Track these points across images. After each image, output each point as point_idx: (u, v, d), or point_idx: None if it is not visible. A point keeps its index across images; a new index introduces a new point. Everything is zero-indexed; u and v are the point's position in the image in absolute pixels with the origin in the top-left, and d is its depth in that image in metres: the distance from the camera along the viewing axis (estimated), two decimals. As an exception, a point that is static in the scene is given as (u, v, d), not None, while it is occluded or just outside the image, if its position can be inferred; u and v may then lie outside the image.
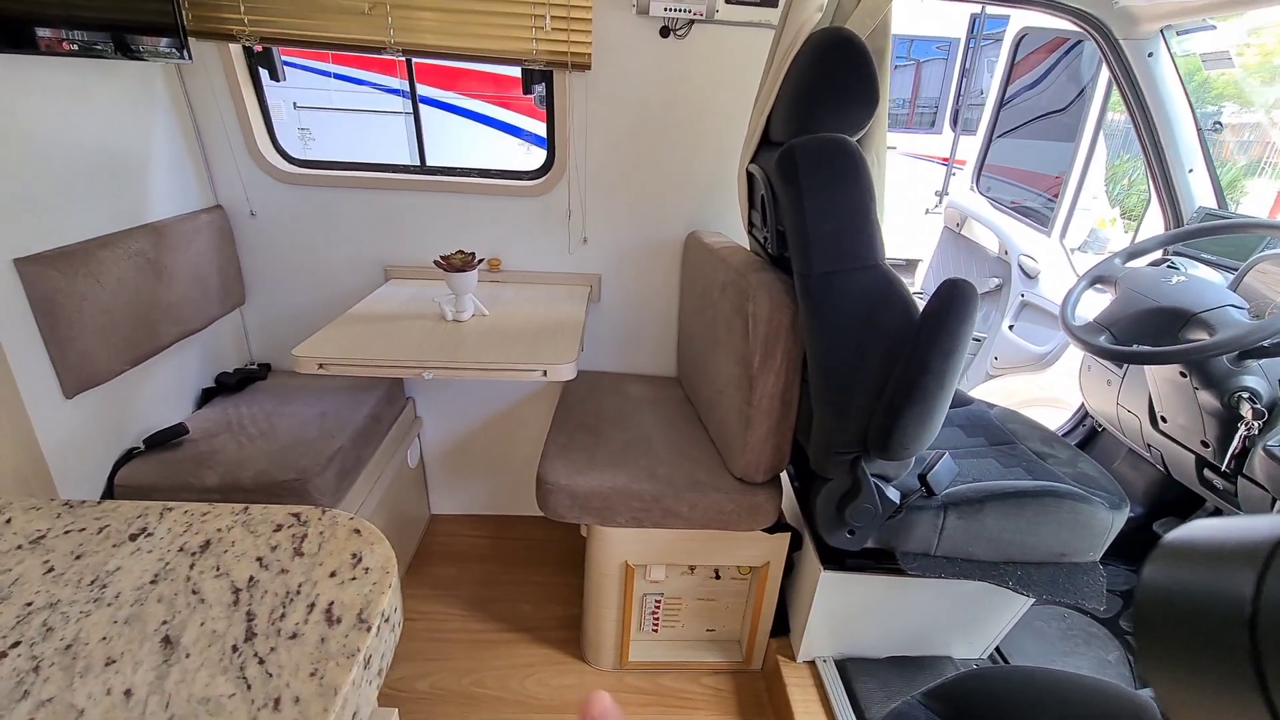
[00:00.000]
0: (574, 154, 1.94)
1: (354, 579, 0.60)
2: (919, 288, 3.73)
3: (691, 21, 1.76)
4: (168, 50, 1.61)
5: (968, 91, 6.08)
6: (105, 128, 1.57)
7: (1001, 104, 3.34)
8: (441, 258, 1.70)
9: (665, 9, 1.70)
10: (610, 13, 1.76)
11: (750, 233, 1.73)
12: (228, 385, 1.99)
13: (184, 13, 1.64)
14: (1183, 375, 1.46)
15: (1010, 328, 2.95)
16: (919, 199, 6.42)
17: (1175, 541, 0.37)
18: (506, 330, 1.69)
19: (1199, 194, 1.96)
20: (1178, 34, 1.79)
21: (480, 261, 1.74)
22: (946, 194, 6.39)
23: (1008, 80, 3.24)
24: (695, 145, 1.94)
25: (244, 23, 1.69)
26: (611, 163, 1.97)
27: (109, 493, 1.56)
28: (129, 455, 1.62)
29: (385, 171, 2.01)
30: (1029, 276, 2.87)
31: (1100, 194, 3.46)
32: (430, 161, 2.15)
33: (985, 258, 3.17)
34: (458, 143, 5.13)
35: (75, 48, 1.37)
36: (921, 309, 1.26)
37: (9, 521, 0.66)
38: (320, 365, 1.45)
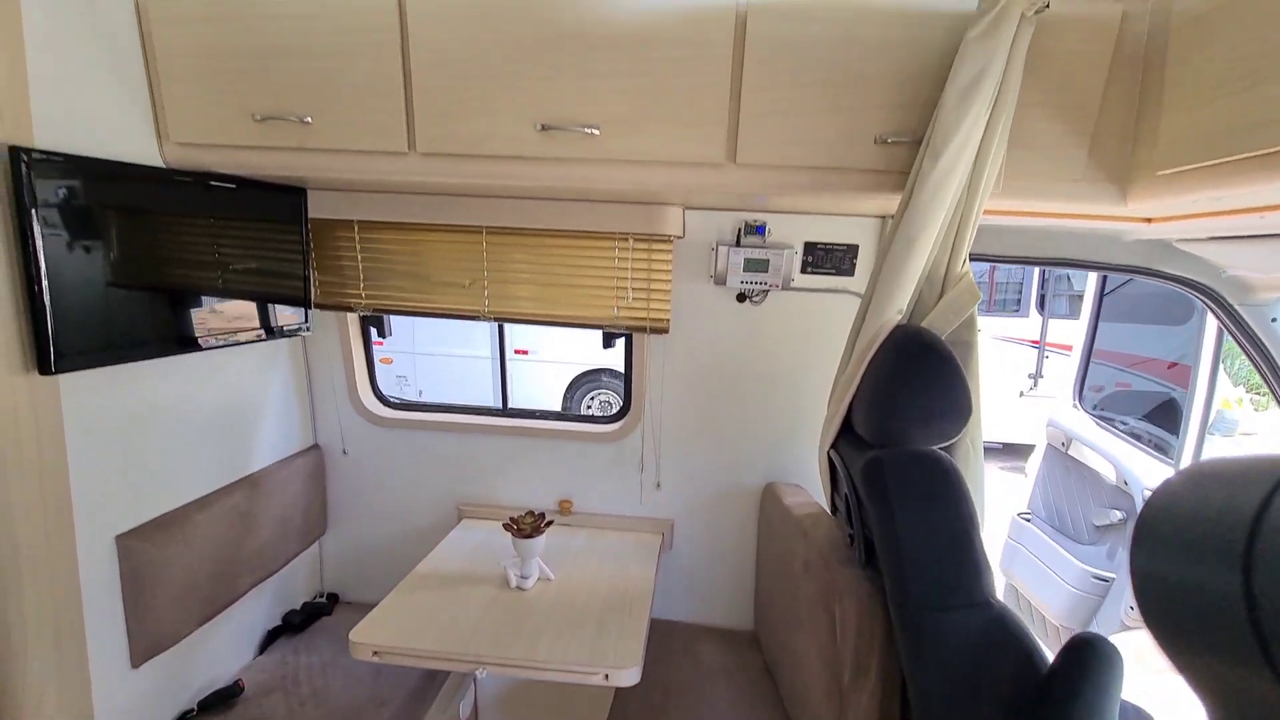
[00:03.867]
0: (650, 403, 1.96)
1: None
2: (1027, 506, 3.37)
3: (767, 290, 1.81)
4: (297, 327, 1.81)
5: (1052, 274, 5.98)
6: (231, 393, 1.73)
7: (1103, 293, 3.18)
8: (511, 520, 1.68)
9: (741, 281, 1.77)
10: (688, 283, 1.85)
11: (834, 515, 1.62)
12: (293, 624, 1.97)
13: (314, 290, 1.86)
14: None
15: (1145, 574, 2.55)
16: (1010, 382, 6.14)
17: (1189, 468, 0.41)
18: (571, 603, 1.60)
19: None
20: (1302, 301, 1.65)
21: (549, 522, 1.71)
22: (1041, 376, 6.09)
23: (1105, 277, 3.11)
24: (770, 400, 1.92)
25: (362, 296, 1.90)
26: (686, 413, 1.96)
27: (156, 765, 1.50)
28: (182, 718, 1.59)
29: (467, 414, 2.09)
30: (1160, 516, 2.52)
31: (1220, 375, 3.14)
32: (512, 391, 2.23)
33: (1101, 486, 2.86)
34: (540, 376, 5.44)
35: (220, 342, 1.56)
36: (1049, 665, 1.07)
37: None
38: (375, 653, 1.40)
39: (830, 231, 1.77)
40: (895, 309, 1.30)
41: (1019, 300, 5.97)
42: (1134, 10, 1.19)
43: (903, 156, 1.30)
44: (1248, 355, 1.76)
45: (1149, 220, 1.41)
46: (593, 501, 2.06)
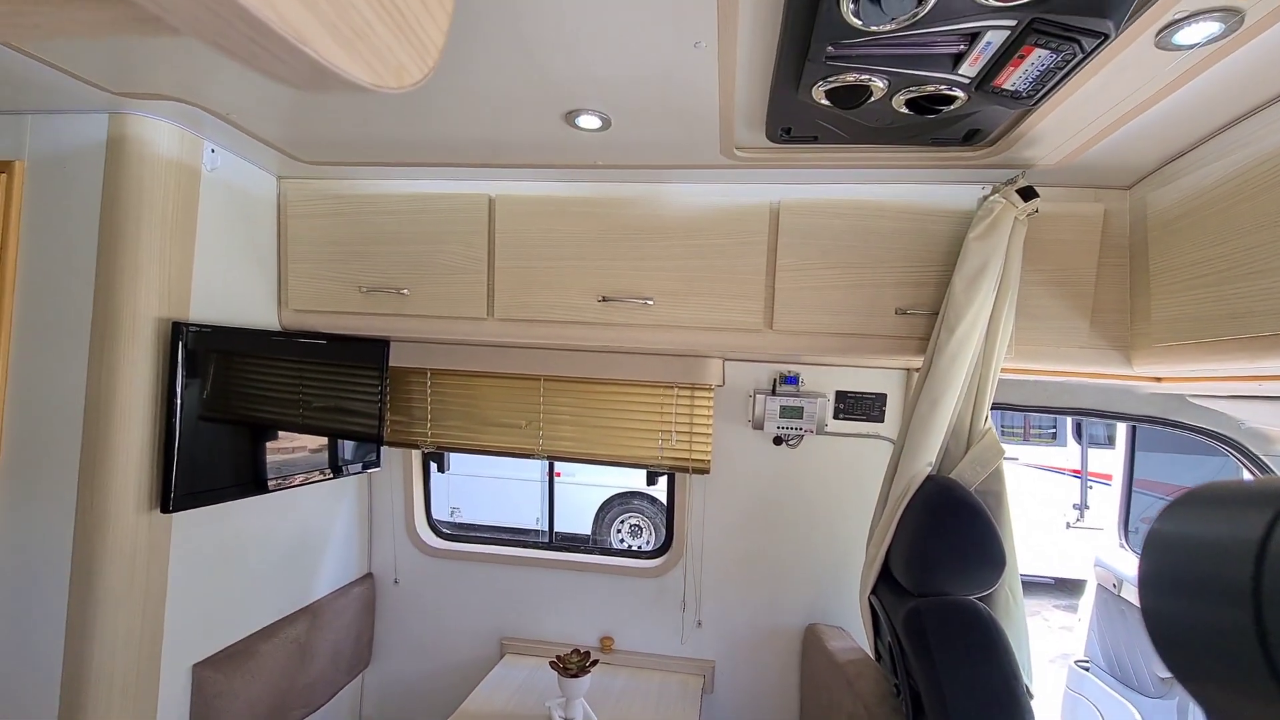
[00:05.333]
0: (691, 540, 2.03)
1: None
2: (1083, 653, 3.20)
3: (802, 435, 1.93)
4: (367, 463, 1.98)
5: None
6: (303, 524, 1.87)
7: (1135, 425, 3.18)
8: (558, 658, 1.72)
9: (778, 426, 1.90)
10: (729, 426, 1.98)
11: (878, 662, 1.63)
12: (331, 764, 1.96)
13: (385, 429, 2.05)
14: None
15: (1222, 736, 2.37)
16: (1055, 514, 5.95)
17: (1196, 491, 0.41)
18: (615, 750, 1.59)
19: None
20: (1328, 453, 1.71)
21: (594, 661, 1.74)
22: (1087, 507, 5.89)
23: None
24: (809, 540, 1.98)
25: (428, 435, 2.08)
26: (727, 550, 2.02)
27: None
28: None
29: (514, 548, 2.18)
30: (1227, 670, 2.39)
31: None
32: (560, 517, 2.31)
33: (1161, 633, 2.73)
34: (575, 497, 5.56)
35: (296, 481, 1.73)
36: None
37: None
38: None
39: (859, 381, 1.92)
40: (925, 461, 1.41)
41: (1054, 429, 5.93)
42: (1114, 209, 1.39)
43: (922, 325, 1.47)
44: None
45: (1159, 380, 1.53)
46: (634, 639, 2.08)
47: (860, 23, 0.81)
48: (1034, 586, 5.93)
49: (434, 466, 2.23)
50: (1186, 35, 0.83)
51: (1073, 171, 1.31)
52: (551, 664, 1.72)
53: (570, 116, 1.21)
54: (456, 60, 1.05)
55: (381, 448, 2.02)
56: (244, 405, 1.59)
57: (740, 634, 2.03)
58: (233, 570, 1.61)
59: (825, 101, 1.04)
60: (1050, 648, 4.73)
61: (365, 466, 1.98)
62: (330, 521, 2.00)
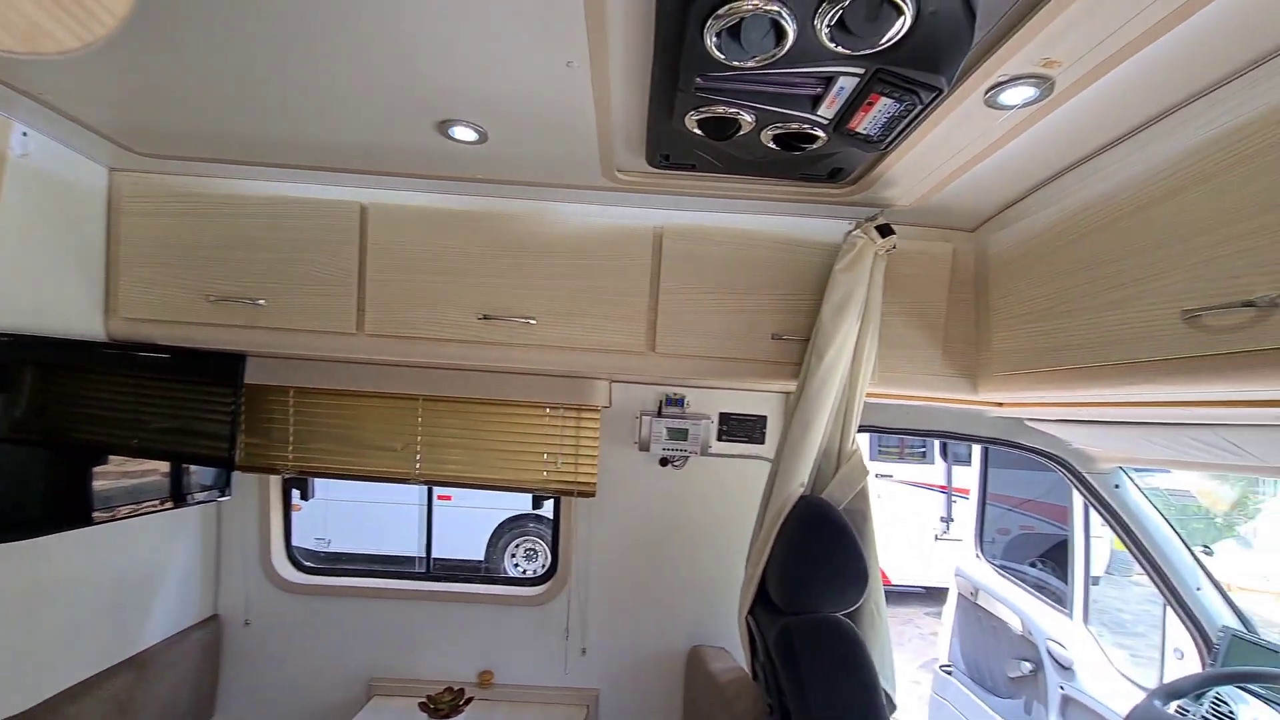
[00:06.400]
0: (576, 565, 1.98)
1: None
2: (945, 658, 3.44)
3: (687, 456, 1.95)
4: (213, 491, 1.77)
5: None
6: (133, 562, 1.64)
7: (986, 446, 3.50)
8: (428, 699, 1.61)
9: (664, 448, 1.91)
10: (615, 448, 1.97)
11: (755, 680, 1.65)
12: (158, 839, 1.71)
13: (239, 451, 1.85)
14: None
15: (1059, 729, 2.62)
16: (925, 526, 6.44)
17: None
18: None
19: (1214, 609, 1.91)
20: (1137, 470, 1.94)
21: (469, 700, 1.64)
22: (952, 520, 6.43)
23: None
24: (694, 561, 1.99)
25: (289, 458, 1.90)
26: (613, 574, 1.99)
27: None
28: None
29: (385, 579, 2.04)
30: (1064, 667, 2.65)
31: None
32: (450, 542, 2.17)
33: (1010, 636, 2.99)
34: (464, 522, 5.29)
35: (126, 512, 1.52)
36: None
37: None
38: None
39: (742, 403, 1.97)
40: (798, 482, 1.46)
41: (924, 448, 6.43)
42: (961, 249, 1.52)
43: (795, 351, 1.53)
44: (1099, 514, 2.01)
45: (1000, 404, 1.68)
46: (516, 671, 1.99)
47: (723, 56, 0.83)
48: (907, 596, 6.36)
49: (297, 494, 2.04)
50: (1010, 96, 0.92)
51: (925, 213, 1.43)
52: (421, 705, 1.61)
53: (444, 126, 1.17)
54: (316, 58, 0.98)
55: (233, 473, 1.82)
56: (61, 425, 1.38)
57: (625, 660, 2.00)
58: (39, 618, 1.38)
59: (698, 131, 1.06)
60: (922, 654, 5.07)
61: (213, 494, 1.78)
62: (168, 557, 1.77)
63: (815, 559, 1.34)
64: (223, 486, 1.81)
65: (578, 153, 1.25)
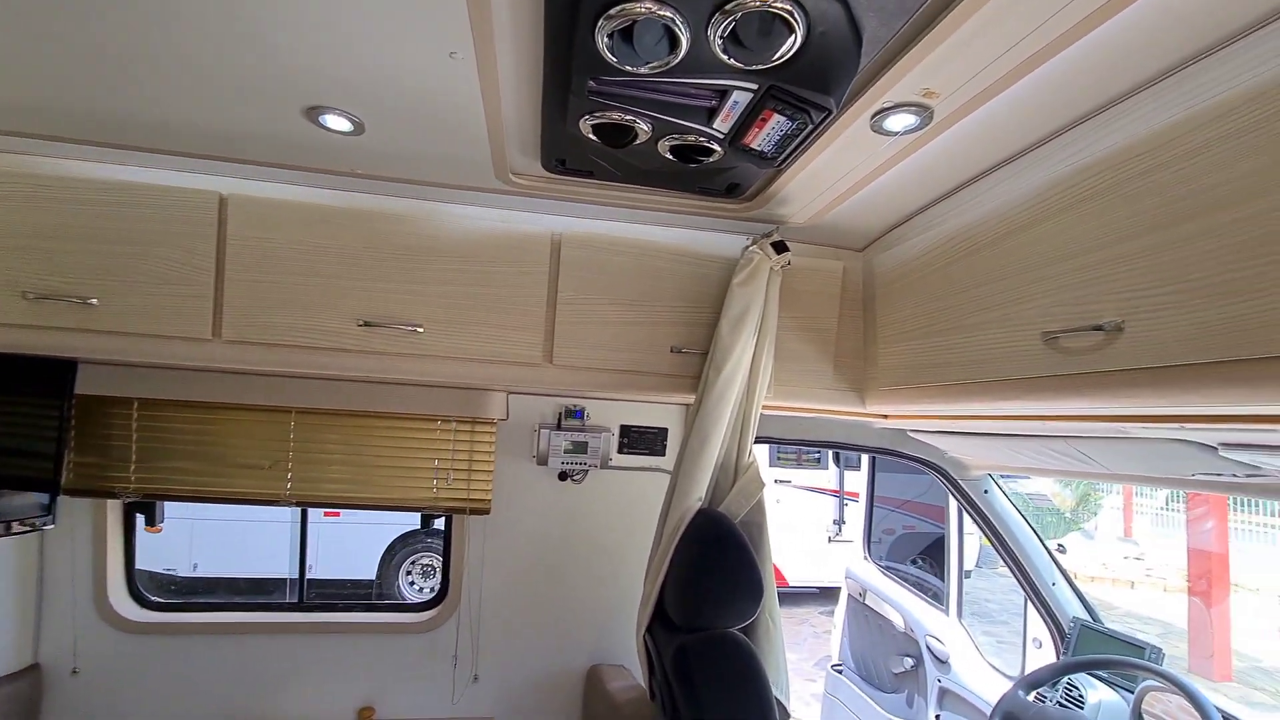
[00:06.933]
0: (468, 588, 1.87)
1: None
2: (836, 657, 3.59)
3: (587, 470, 1.90)
4: (35, 518, 1.52)
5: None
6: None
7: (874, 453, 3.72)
8: (295, 747, 1.45)
9: (563, 462, 1.85)
10: (512, 462, 1.88)
11: (653, 699, 1.62)
12: None
13: (66, 472, 1.60)
14: None
15: (938, 718, 2.79)
16: (819, 527, 6.77)
17: None
18: None
19: (1067, 601, 2.10)
20: (1003, 477, 2.11)
21: (343, 742, 1.49)
22: (844, 522, 6.79)
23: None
24: (593, 578, 1.94)
25: (130, 480, 1.66)
26: (507, 594, 1.90)
27: None
28: None
29: (250, 612, 1.83)
30: (941, 660, 2.83)
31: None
32: (320, 558, 2.00)
33: (894, 633, 3.16)
34: (353, 539, 4.90)
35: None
36: None
37: None
38: None
39: (643, 416, 1.95)
40: (696, 496, 1.45)
41: (819, 455, 6.74)
42: (851, 267, 1.58)
43: (694, 364, 1.52)
44: (971, 517, 2.16)
45: (885, 416, 1.76)
46: (400, 704, 1.84)
47: (615, 60, 0.80)
48: (802, 596, 6.63)
49: (142, 518, 1.80)
50: (893, 123, 0.95)
51: (818, 231, 1.47)
52: (285, 755, 1.45)
53: (313, 113, 1.06)
54: (166, 23, 0.85)
55: (58, 498, 1.57)
56: None
57: (521, 684, 1.91)
58: None
59: (593, 137, 1.03)
60: (816, 652, 5.28)
61: (31, 523, 1.52)
62: (-32, 601, 1.49)
63: (712, 576, 1.33)
64: (44, 514, 1.55)
65: (467, 152, 1.18)
